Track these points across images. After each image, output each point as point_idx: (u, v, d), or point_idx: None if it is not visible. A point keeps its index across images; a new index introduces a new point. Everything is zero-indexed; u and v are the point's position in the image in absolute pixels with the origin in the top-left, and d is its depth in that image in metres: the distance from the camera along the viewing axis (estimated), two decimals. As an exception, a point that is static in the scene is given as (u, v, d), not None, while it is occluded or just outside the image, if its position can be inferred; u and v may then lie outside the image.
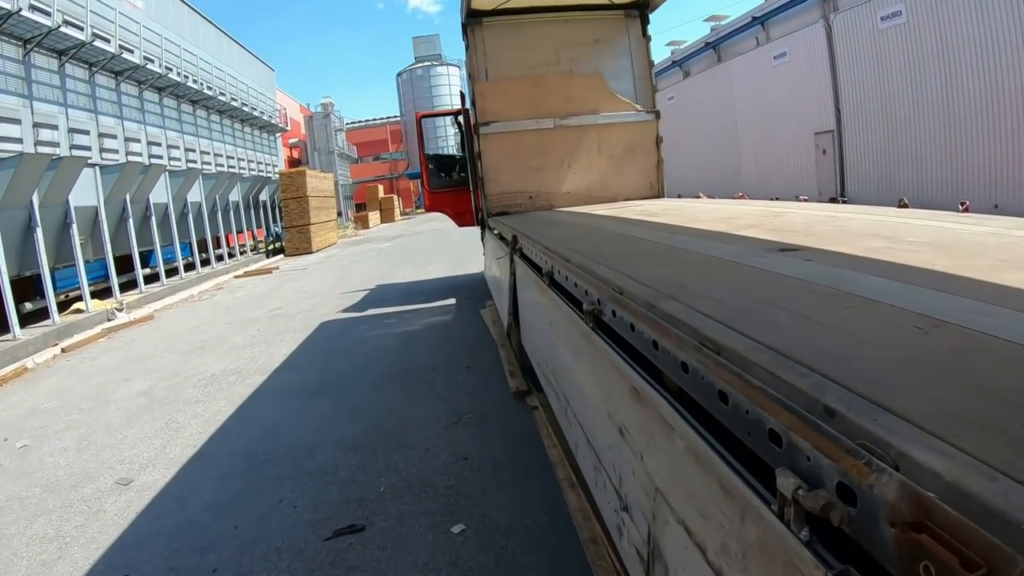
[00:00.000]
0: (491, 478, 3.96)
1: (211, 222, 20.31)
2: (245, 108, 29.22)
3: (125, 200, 14.76)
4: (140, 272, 15.07)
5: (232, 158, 27.44)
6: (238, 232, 23.21)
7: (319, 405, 5.74)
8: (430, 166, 11.25)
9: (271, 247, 25.88)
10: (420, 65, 63.83)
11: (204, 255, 19.76)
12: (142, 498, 4.18)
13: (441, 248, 19.29)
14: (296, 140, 47.82)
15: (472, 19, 8.50)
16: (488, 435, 4.63)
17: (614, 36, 8.95)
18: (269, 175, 28.10)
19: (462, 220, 11.06)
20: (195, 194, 19.01)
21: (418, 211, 58.89)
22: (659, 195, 8.95)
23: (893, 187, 17.59)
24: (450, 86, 63.84)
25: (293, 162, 43.84)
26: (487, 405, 5.27)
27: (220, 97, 26.58)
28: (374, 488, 3.98)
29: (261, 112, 31.33)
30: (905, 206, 13.91)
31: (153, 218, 16.02)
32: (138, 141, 20.79)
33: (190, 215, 18.47)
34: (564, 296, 3.19)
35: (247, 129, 29.94)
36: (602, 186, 8.70)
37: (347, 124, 66.31)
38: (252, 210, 24.80)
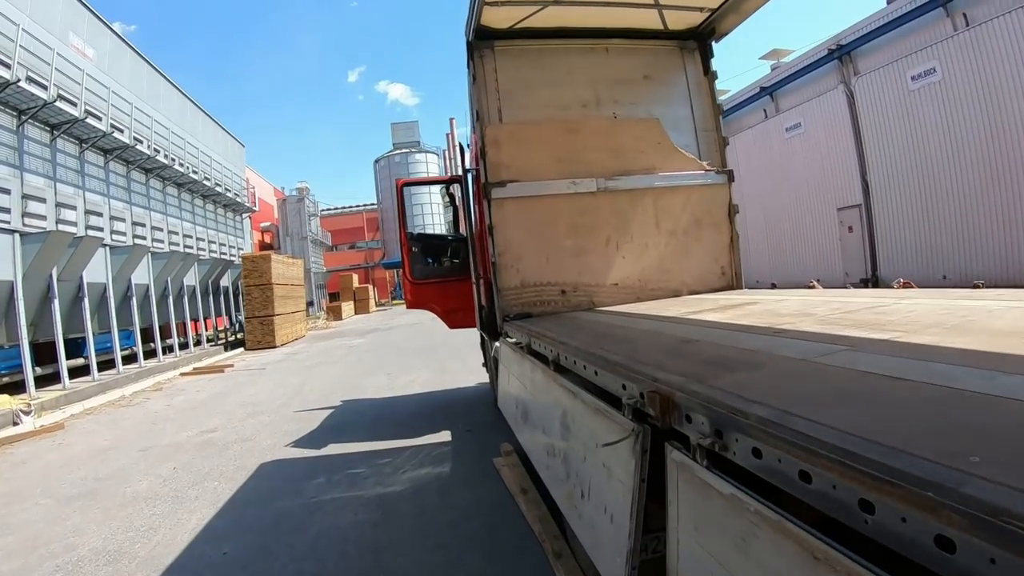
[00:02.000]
0: None
1: (160, 308, 17.48)
2: (207, 182, 26.60)
3: (51, 276, 12.04)
4: (64, 364, 12.22)
5: (190, 237, 24.59)
6: (193, 320, 20.30)
7: None
8: (413, 249, 8.70)
9: (230, 339, 22.96)
10: (398, 152, 63.15)
11: (152, 345, 16.82)
12: None
13: (421, 346, 16.55)
14: (268, 224, 45.52)
15: (480, 41, 6.19)
16: None
17: (668, 73, 6.71)
18: (233, 258, 25.30)
19: (455, 320, 8.51)
20: (142, 275, 16.26)
21: (394, 302, 56.52)
22: (733, 285, 6.49)
23: (934, 261, 15.56)
24: (428, 173, 62.99)
25: (264, 247, 41.37)
26: None
27: (178, 167, 23.89)
28: None
29: (226, 189, 28.81)
30: (977, 287, 11.75)
31: (86, 299, 13.22)
32: (73, 208, 18.00)
33: (133, 299, 15.65)
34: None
35: (209, 206, 27.29)
36: (661, 273, 6.24)
37: (323, 211, 64.67)
38: (211, 296, 21.96)
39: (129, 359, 15.49)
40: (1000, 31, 13.41)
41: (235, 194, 29.03)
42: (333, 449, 7.05)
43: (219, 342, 21.67)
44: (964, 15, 14.96)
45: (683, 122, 6.62)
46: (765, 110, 22.32)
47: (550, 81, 6.28)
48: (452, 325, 8.76)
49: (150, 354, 16.86)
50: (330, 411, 9.17)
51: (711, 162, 6.55)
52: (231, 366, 16.56)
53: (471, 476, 5.62)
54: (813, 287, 14.66)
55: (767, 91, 21.83)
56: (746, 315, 3.84)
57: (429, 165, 63.44)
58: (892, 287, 14.42)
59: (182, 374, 15.56)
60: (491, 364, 7.63)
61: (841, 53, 18.48)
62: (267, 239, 44.97)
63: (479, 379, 10.24)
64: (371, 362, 14.52)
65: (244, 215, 30.60)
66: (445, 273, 8.52)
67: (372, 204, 68.10)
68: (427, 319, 27.50)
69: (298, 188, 50.33)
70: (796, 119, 20.09)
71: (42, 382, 12.41)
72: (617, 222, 6.08)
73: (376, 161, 64.32)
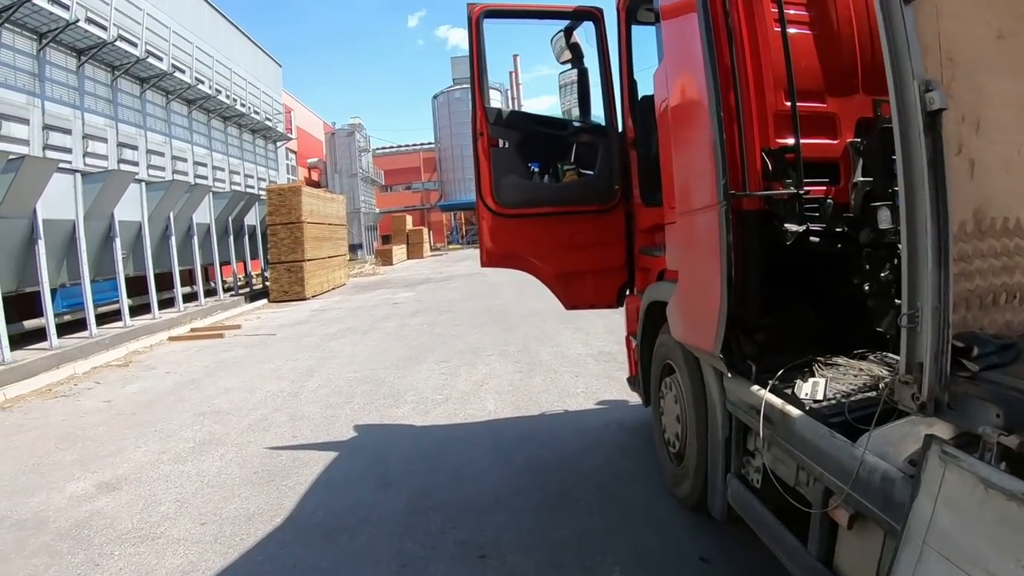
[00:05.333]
0: None
1: (159, 251, 13.67)
2: (222, 97, 21.69)
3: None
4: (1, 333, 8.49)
5: (203, 165, 20.33)
6: (206, 266, 16.52)
7: None
8: (500, 143, 4.41)
9: (255, 288, 19.26)
10: (459, 87, 58.31)
11: (161, 295, 13.12)
12: None
13: (487, 310, 12.25)
14: (315, 160, 41.72)
15: None
16: None
17: None
18: (260, 192, 21.20)
19: (583, 293, 4.34)
20: (130, 209, 12.38)
21: (450, 247, 52.56)
22: None
23: None
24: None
25: (311, 185, 37.59)
26: None
27: (177, 74, 18.88)
28: None
29: (254, 110, 24.18)
30: None
31: (41, 240, 9.37)
32: (25, 123, 13.83)
33: (117, 239, 11.78)
34: None
35: (232, 130, 22.86)
36: None
37: (376, 149, 60.72)
38: (233, 237, 18.08)
39: (112, 317, 11.85)
40: None
41: (266, 118, 24.59)
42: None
43: (239, 292, 17.89)
44: None
45: None
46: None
47: None
48: (575, 302, 4.53)
49: (138, 310, 13.12)
50: (328, 458, 4.94)
51: None
52: (238, 327, 12.66)
53: None
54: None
55: None
56: None
57: (492, 101, 58.58)
58: None
59: (171, 338, 11.73)
60: (688, 405, 3.47)
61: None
62: (314, 176, 41.23)
63: (598, 391, 6.01)
64: (416, 333, 10.29)
65: (279, 144, 26.28)
66: (569, 196, 4.24)
67: (430, 143, 63.91)
68: (488, 273, 22.72)
69: (350, 124, 46.26)
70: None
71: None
72: None
73: (435, 96, 59.77)
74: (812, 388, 2.43)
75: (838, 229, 2.57)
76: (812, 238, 2.57)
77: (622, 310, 4.79)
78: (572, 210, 4.25)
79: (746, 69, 2.65)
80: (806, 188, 2.58)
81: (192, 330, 12.63)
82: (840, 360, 2.62)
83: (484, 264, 4.53)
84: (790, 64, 2.59)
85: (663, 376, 3.84)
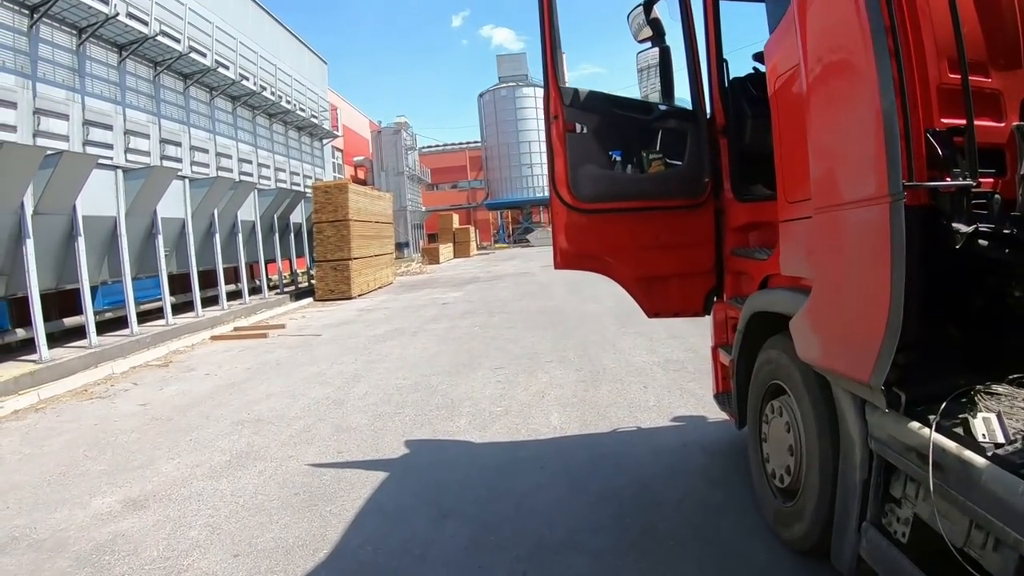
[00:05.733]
0: None
1: (203, 249, 13.42)
2: (267, 94, 21.03)
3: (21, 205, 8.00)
4: (41, 331, 8.34)
5: (248, 162, 20.10)
6: (251, 264, 16.24)
7: None
8: (577, 128, 3.76)
9: (301, 286, 18.99)
10: (504, 85, 57.93)
11: (205, 292, 12.84)
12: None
13: (541, 311, 11.55)
14: (362, 159, 41.64)
15: None
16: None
17: None
18: (307, 190, 20.88)
19: (658, 300, 3.74)
20: (173, 206, 12.11)
21: (497, 246, 52.04)
22: None
23: None
24: (537, 108, 57.45)
25: (358, 183, 37.45)
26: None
27: (221, 70, 18.42)
28: None
29: (299, 107, 23.70)
30: None
31: (80, 237, 9.09)
32: (65, 118, 13.59)
33: (160, 236, 11.50)
34: None
35: (278, 127, 22.48)
36: None
37: (423, 148, 60.66)
38: (278, 235, 17.79)
39: (155, 314, 11.63)
40: None
41: (312, 115, 24.16)
42: None
43: (285, 289, 17.57)
44: None
45: None
46: None
47: None
48: (658, 310, 3.83)
49: (186, 307, 12.83)
50: (376, 479, 4.30)
51: None
52: (282, 327, 12.23)
53: None
54: None
55: None
56: None
57: (538, 100, 57.90)
58: None
59: (213, 337, 11.35)
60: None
61: None
62: (361, 174, 41.17)
63: (671, 405, 5.29)
64: (468, 336, 9.65)
65: (325, 141, 25.92)
66: (656, 190, 3.60)
67: (476, 142, 63.56)
68: (539, 267, 22.12)
69: (396, 122, 46.07)
70: None
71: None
72: None
73: (481, 95, 59.39)
74: (986, 426, 1.90)
75: (1006, 230, 1.97)
76: (981, 240, 1.96)
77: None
78: (658, 205, 3.58)
79: (906, 32, 2.01)
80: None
81: (235, 329, 12.25)
82: (1000, 388, 2.11)
83: (558, 266, 3.87)
84: (958, 25, 1.97)
85: (767, 398, 3.16)
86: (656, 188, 3.66)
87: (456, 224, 40.92)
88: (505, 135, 56.68)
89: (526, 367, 7.18)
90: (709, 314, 3.96)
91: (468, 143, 67.66)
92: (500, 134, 56.88)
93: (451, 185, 65.99)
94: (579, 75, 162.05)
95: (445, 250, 35.85)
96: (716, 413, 4.46)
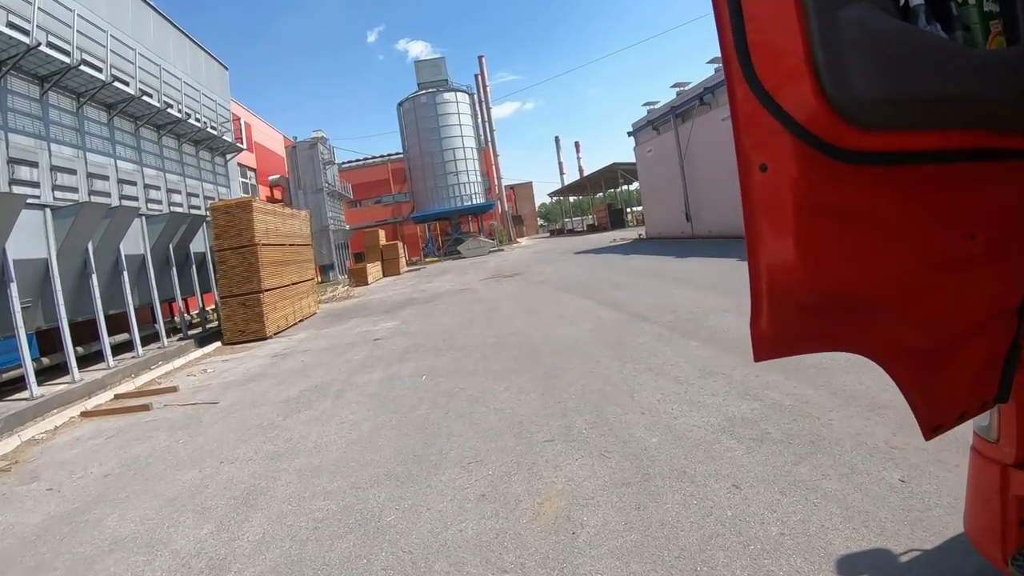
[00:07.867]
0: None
1: (78, 294, 10.66)
2: (153, 101, 17.24)
3: None
4: None
5: (131, 184, 16.51)
6: (140, 307, 13.38)
7: None
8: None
9: (205, 328, 16.19)
10: (424, 92, 55.82)
11: (89, 347, 10.01)
12: None
13: (500, 344, 9.19)
14: (277, 177, 38.45)
15: None
16: None
17: None
18: (207, 213, 17.66)
19: (942, 392, 1.46)
20: (31, 243, 9.37)
21: (427, 260, 49.55)
22: None
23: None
24: (459, 114, 55.46)
25: (273, 204, 34.18)
26: None
27: (86, 68, 14.08)
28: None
29: (192, 115, 19.81)
30: None
31: None
32: None
33: (12, 284, 8.77)
34: None
35: (166, 139, 18.70)
36: None
37: (343, 164, 57.72)
38: (176, 268, 14.90)
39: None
40: None
41: (211, 125, 20.59)
42: None
43: (189, 333, 14.74)
44: None
45: None
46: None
47: None
48: (940, 417, 1.51)
49: (47, 372, 10.04)
50: None
51: None
52: (173, 390, 9.59)
53: None
54: None
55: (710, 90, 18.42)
56: None
57: (460, 105, 55.88)
58: None
59: (84, 413, 8.65)
60: None
61: None
62: (277, 194, 37.96)
63: (801, 523, 2.77)
64: (413, 394, 7.17)
65: (229, 156, 22.67)
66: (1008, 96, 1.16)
67: (398, 153, 61.06)
68: (478, 280, 19.11)
69: (312, 136, 42.99)
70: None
71: None
72: None
73: (400, 104, 57.13)
74: None
75: None
76: None
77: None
78: (999, 145, 1.36)
79: None
80: None
81: (116, 397, 9.57)
82: None
83: (761, 357, 1.44)
84: None
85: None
86: (1008, 92, 1.34)
87: (383, 240, 38.24)
88: (428, 143, 54.58)
89: (516, 458, 4.67)
90: (1006, 401, 1.79)
91: (390, 155, 65.26)
92: (423, 143, 54.77)
93: (375, 200, 63.50)
94: (500, 82, 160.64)
95: (373, 269, 33.22)
96: (907, 539, 2.37)
